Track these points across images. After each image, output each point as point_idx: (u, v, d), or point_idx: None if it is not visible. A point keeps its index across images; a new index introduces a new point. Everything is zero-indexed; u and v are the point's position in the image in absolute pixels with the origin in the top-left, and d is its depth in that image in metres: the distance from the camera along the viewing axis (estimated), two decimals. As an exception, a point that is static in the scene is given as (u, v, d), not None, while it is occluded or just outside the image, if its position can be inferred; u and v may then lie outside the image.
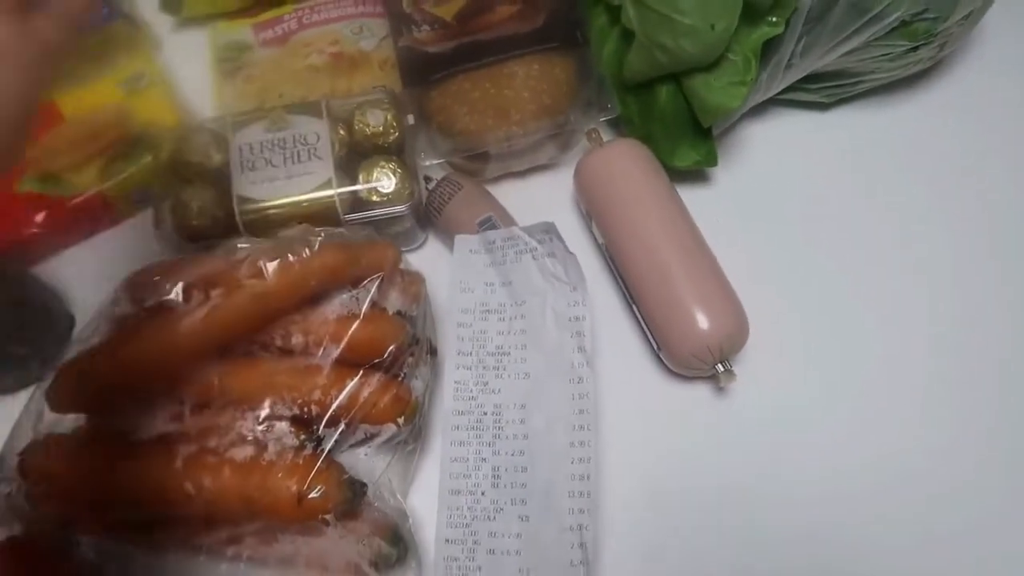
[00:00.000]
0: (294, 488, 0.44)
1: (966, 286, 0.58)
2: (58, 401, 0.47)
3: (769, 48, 0.55)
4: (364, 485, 0.46)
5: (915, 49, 0.58)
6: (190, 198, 0.53)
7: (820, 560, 0.50)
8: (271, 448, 0.46)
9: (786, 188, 0.62)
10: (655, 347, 0.54)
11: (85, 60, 0.62)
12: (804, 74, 0.59)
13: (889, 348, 0.56)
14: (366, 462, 0.49)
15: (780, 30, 0.54)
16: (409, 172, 0.55)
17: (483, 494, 0.49)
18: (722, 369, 0.52)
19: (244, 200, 0.52)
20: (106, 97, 0.61)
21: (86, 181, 0.58)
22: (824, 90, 0.62)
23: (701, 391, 0.55)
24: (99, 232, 0.61)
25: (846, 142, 0.63)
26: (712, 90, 0.54)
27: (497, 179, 0.61)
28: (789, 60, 0.57)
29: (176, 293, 0.46)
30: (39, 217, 0.57)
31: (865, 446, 0.53)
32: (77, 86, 0.61)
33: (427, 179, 0.59)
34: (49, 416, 0.48)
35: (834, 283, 0.58)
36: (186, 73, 0.65)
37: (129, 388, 0.47)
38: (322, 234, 0.48)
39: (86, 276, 0.58)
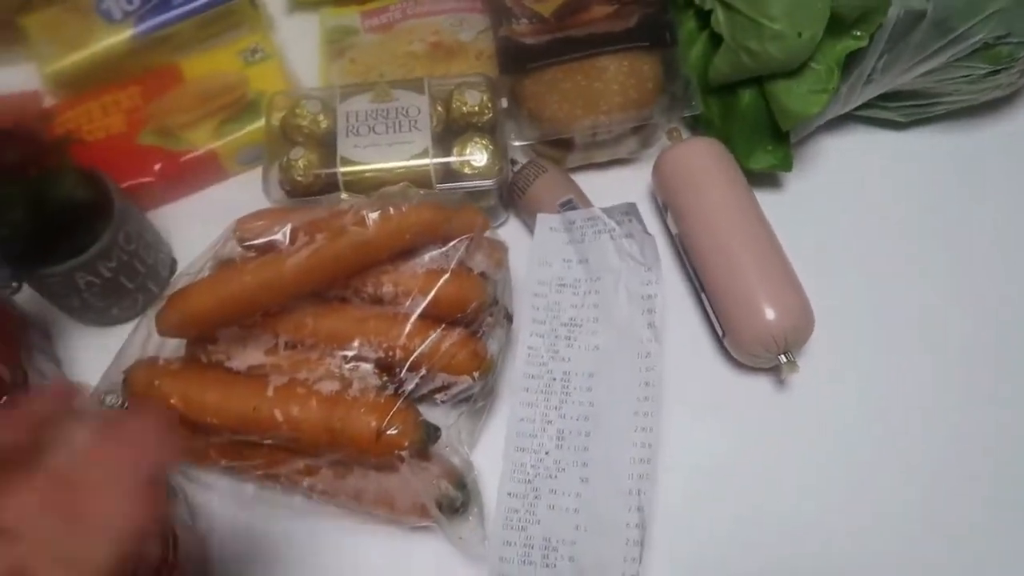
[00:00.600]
0: (374, 424, 0.47)
1: (1034, 308, 0.59)
2: (164, 326, 0.51)
3: (852, 61, 0.58)
4: (438, 429, 0.49)
5: (995, 73, 0.60)
6: (297, 157, 0.57)
7: (866, 558, 0.51)
8: (355, 386, 0.49)
9: (857, 200, 0.64)
10: (720, 334, 0.56)
11: (209, 30, 0.67)
12: (884, 90, 0.61)
13: (951, 361, 0.57)
14: (440, 412, 0.51)
15: (864, 44, 0.56)
16: (499, 151, 0.58)
17: (547, 454, 0.51)
18: (785, 360, 0.53)
19: (347, 161, 0.57)
20: (225, 65, 0.66)
21: (200, 138, 0.63)
22: (902, 109, 0.64)
23: (762, 383, 0.56)
24: (207, 187, 0.65)
25: (920, 162, 0.65)
26: (793, 96, 0.57)
27: (578, 168, 0.64)
28: (870, 75, 0.59)
29: (283, 234, 0.50)
30: (156, 167, 0.62)
31: (922, 453, 0.54)
32: (200, 53, 0.67)
33: (513, 162, 0.62)
34: (155, 339, 0.52)
35: (899, 294, 0.59)
36: (297, 51, 0.70)
37: (230, 319, 0.51)
38: (421, 192, 0.51)
39: (192, 226, 0.62)
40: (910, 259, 0.61)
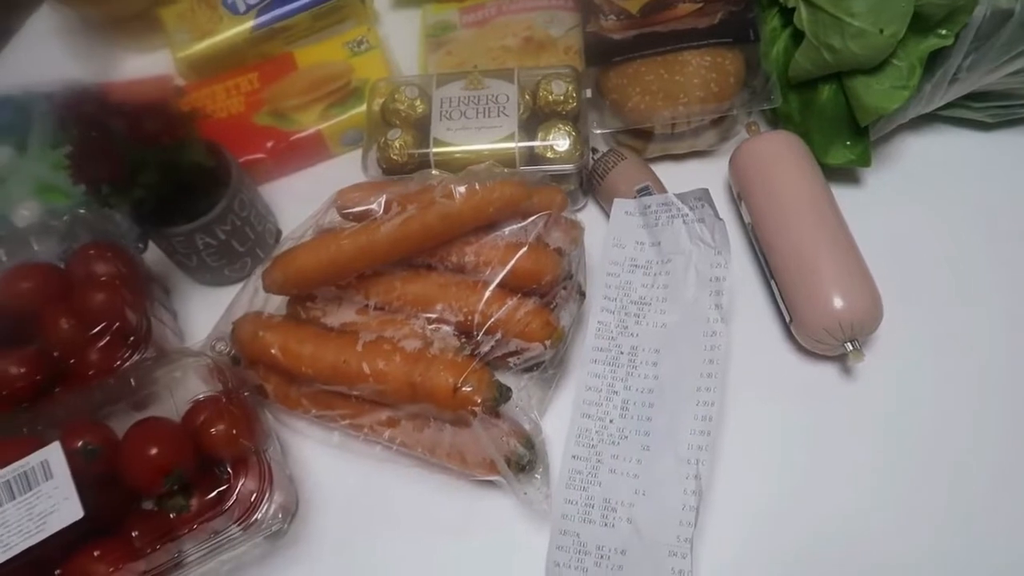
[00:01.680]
0: (451, 380, 0.51)
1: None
2: (269, 282, 0.57)
3: (936, 59, 0.58)
4: (509, 389, 0.52)
5: (1087, 74, 0.59)
6: (395, 138, 0.62)
7: (917, 549, 0.52)
8: (436, 345, 0.53)
9: (937, 200, 0.64)
10: (788, 320, 0.57)
11: (320, 23, 0.73)
12: (969, 90, 0.62)
13: (1021, 368, 0.57)
14: (512, 377, 0.55)
15: (949, 42, 0.57)
16: (581, 137, 0.62)
17: (611, 422, 0.54)
18: (851, 348, 0.54)
19: (439, 142, 0.61)
20: (333, 54, 0.72)
21: (309, 120, 0.70)
22: (989, 109, 0.64)
23: (827, 370, 0.58)
24: (312, 165, 0.71)
25: (1006, 164, 0.65)
26: (872, 91, 0.58)
27: (656, 159, 0.67)
28: (955, 74, 0.59)
29: (379, 204, 0.55)
30: (268, 144, 0.69)
31: (979, 456, 0.54)
32: (311, 43, 0.73)
33: (594, 150, 0.65)
34: (261, 296, 0.58)
35: (974, 296, 0.59)
36: (399, 43, 0.76)
37: (327, 280, 0.56)
38: (504, 171, 0.55)
39: (296, 200, 0.67)
40: (988, 261, 0.61)
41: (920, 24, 0.56)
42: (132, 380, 0.54)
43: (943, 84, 0.60)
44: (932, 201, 0.64)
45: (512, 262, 0.54)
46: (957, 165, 0.65)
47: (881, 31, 0.56)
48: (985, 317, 0.59)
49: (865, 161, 0.62)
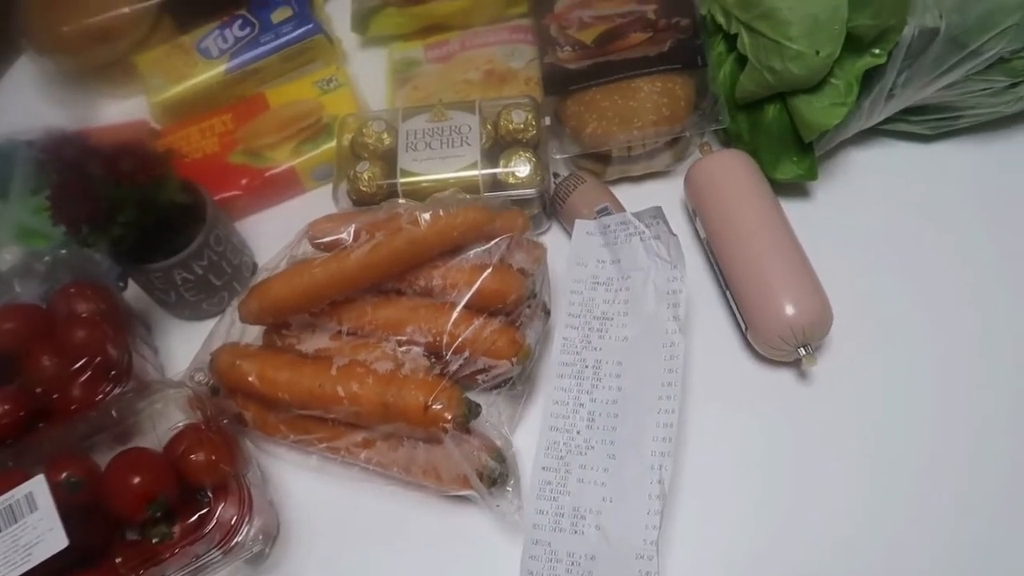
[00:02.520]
0: (422, 399, 0.53)
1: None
2: (245, 313, 0.59)
3: (872, 77, 0.62)
4: (479, 405, 0.54)
5: (1015, 86, 0.63)
6: (363, 170, 0.65)
7: (885, 547, 0.54)
8: (407, 366, 0.55)
9: (881, 210, 0.67)
10: (743, 328, 0.60)
11: (291, 64, 0.77)
12: (906, 105, 0.65)
13: (967, 362, 0.59)
14: (483, 393, 0.57)
15: (882, 60, 0.60)
16: (542, 163, 0.65)
17: (578, 433, 0.56)
18: (804, 353, 0.57)
19: (406, 173, 0.64)
20: (304, 93, 0.75)
21: (281, 157, 0.72)
22: (927, 122, 0.68)
23: (784, 376, 0.60)
24: (285, 200, 0.74)
25: (945, 174, 0.68)
26: (813, 109, 0.61)
27: (615, 181, 0.70)
28: (891, 90, 0.63)
29: (348, 233, 0.57)
30: (243, 182, 0.71)
31: (939, 446, 0.56)
32: (282, 83, 0.76)
33: (555, 175, 0.68)
34: (238, 327, 0.61)
35: (919, 299, 0.62)
36: (367, 80, 0.79)
37: (301, 308, 0.58)
38: (467, 197, 0.58)
39: (272, 234, 0.69)
40: (933, 265, 0.64)
41: (854, 44, 0.60)
42: (114, 412, 0.55)
43: (880, 100, 0.64)
44: (878, 211, 0.67)
45: (477, 283, 0.56)
46: (900, 176, 0.68)
47: (817, 52, 0.59)
48: (932, 318, 0.61)
49: (812, 175, 0.65)
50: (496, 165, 0.64)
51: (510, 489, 0.55)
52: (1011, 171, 0.68)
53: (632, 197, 0.67)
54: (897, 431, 0.57)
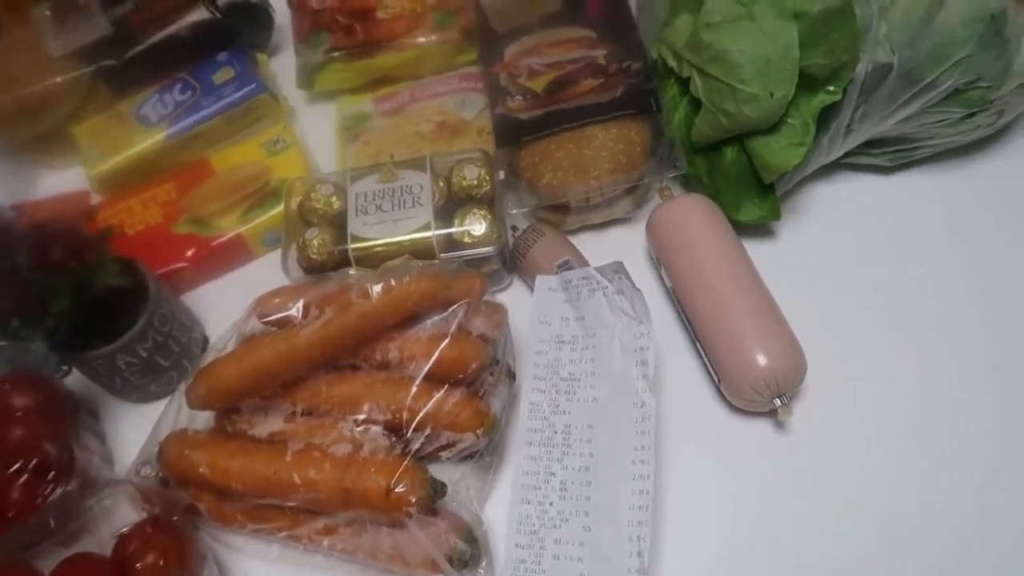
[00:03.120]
0: (383, 482, 0.50)
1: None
2: (192, 399, 0.56)
3: (828, 114, 0.61)
4: (444, 485, 0.52)
5: (971, 116, 0.62)
6: (312, 237, 0.62)
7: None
8: (366, 447, 0.53)
9: (848, 246, 0.65)
10: (716, 381, 0.58)
11: (235, 126, 0.74)
12: (865, 139, 0.64)
13: (943, 398, 0.58)
14: (447, 469, 0.54)
15: (837, 98, 0.59)
16: (498, 219, 0.62)
17: (551, 504, 0.54)
18: (779, 403, 0.55)
19: (357, 238, 0.61)
20: (250, 156, 0.72)
21: (228, 225, 0.69)
22: (887, 154, 0.67)
23: (761, 426, 0.58)
24: (234, 269, 0.71)
25: (908, 205, 0.67)
26: (772, 150, 0.60)
27: (576, 230, 0.68)
28: (848, 125, 0.62)
29: (296, 309, 0.55)
30: (189, 253, 0.68)
31: (921, 488, 0.55)
32: (227, 146, 0.74)
33: (514, 228, 0.66)
34: (186, 412, 0.57)
35: (892, 335, 0.61)
36: (316, 137, 0.77)
37: (251, 391, 0.55)
38: (420, 264, 0.55)
39: (221, 306, 0.67)
40: (902, 299, 0.62)
41: (808, 83, 0.59)
42: (52, 518, 0.52)
43: (839, 136, 0.62)
44: (844, 245, 0.65)
45: (436, 354, 0.54)
46: (864, 208, 0.67)
47: (771, 95, 0.58)
48: (907, 351, 0.60)
49: (775, 215, 0.64)
50: (451, 224, 0.62)
51: (483, 571, 0.52)
52: (973, 196, 0.67)
53: (595, 246, 0.66)
54: (879, 478, 0.55)
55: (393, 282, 0.53)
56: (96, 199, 0.74)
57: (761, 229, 0.66)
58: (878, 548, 0.53)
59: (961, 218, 0.66)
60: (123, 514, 0.54)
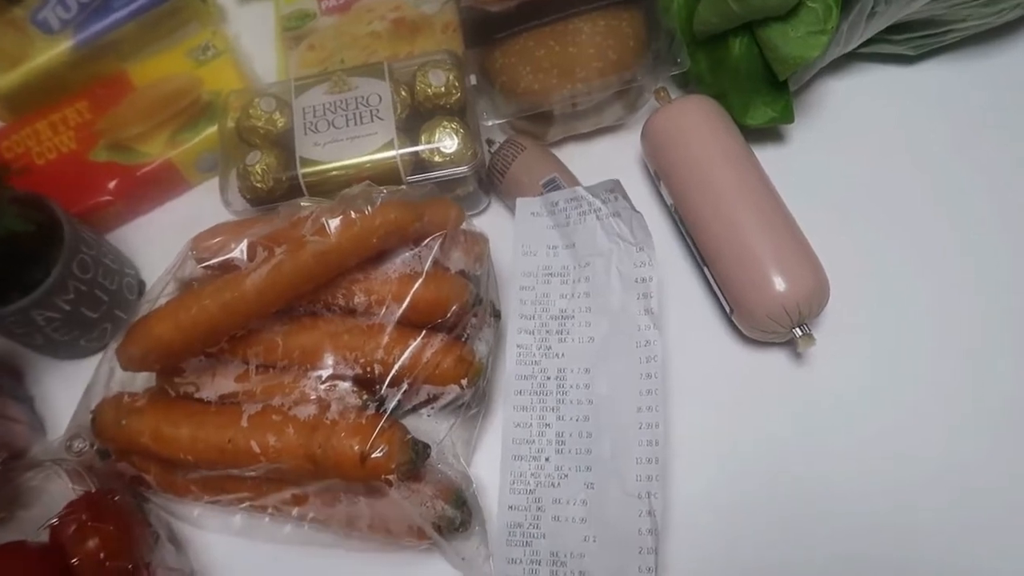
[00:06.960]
0: (357, 447, 0.44)
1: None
2: (126, 360, 0.47)
3: (852, -6, 0.52)
4: (427, 446, 0.45)
5: (1012, -9, 0.54)
6: (254, 162, 0.53)
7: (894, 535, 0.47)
8: (334, 407, 0.45)
9: (868, 147, 0.58)
10: (728, 311, 0.51)
11: (155, 31, 0.63)
12: (889, 23, 0.56)
13: (977, 321, 0.52)
14: (429, 424, 0.48)
15: (863, -26, 0.51)
16: (471, 133, 0.54)
17: (547, 460, 0.48)
18: (800, 333, 0.49)
19: (307, 162, 0.52)
20: (175, 67, 0.62)
21: (155, 150, 0.60)
22: (910, 41, 0.58)
23: (778, 359, 0.52)
24: (168, 200, 0.62)
25: (934, 96, 0.60)
26: (789, 40, 0.51)
27: (561, 142, 0.60)
28: (873, 7, 0.53)
29: (240, 251, 0.46)
30: (111, 184, 0.59)
31: (948, 422, 0.50)
32: (147, 57, 0.63)
33: (490, 142, 0.57)
34: (120, 375, 0.49)
35: (921, 244, 0.55)
36: (252, 43, 0.66)
37: (195, 347, 0.47)
38: (384, 191, 0.47)
39: (156, 243, 0.59)
40: (930, 207, 0.56)
41: (831, -43, 0.50)
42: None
43: (861, 21, 0.54)
44: (861, 148, 0.58)
45: (409, 296, 0.46)
46: (883, 104, 0.60)
47: (790, -29, 0.49)
48: (933, 269, 0.54)
49: (788, 117, 0.56)
50: (417, 141, 0.53)
51: (474, 536, 0.46)
52: (1004, 89, 0.59)
53: (583, 160, 0.58)
54: (908, 406, 0.50)
55: (354, 214, 0.45)
56: (-4, 124, 0.63)
57: (769, 133, 0.59)
58: (906, 487, 0.48)
59: (994, 109, 0.59)
60: (57, 493, 0.47)
